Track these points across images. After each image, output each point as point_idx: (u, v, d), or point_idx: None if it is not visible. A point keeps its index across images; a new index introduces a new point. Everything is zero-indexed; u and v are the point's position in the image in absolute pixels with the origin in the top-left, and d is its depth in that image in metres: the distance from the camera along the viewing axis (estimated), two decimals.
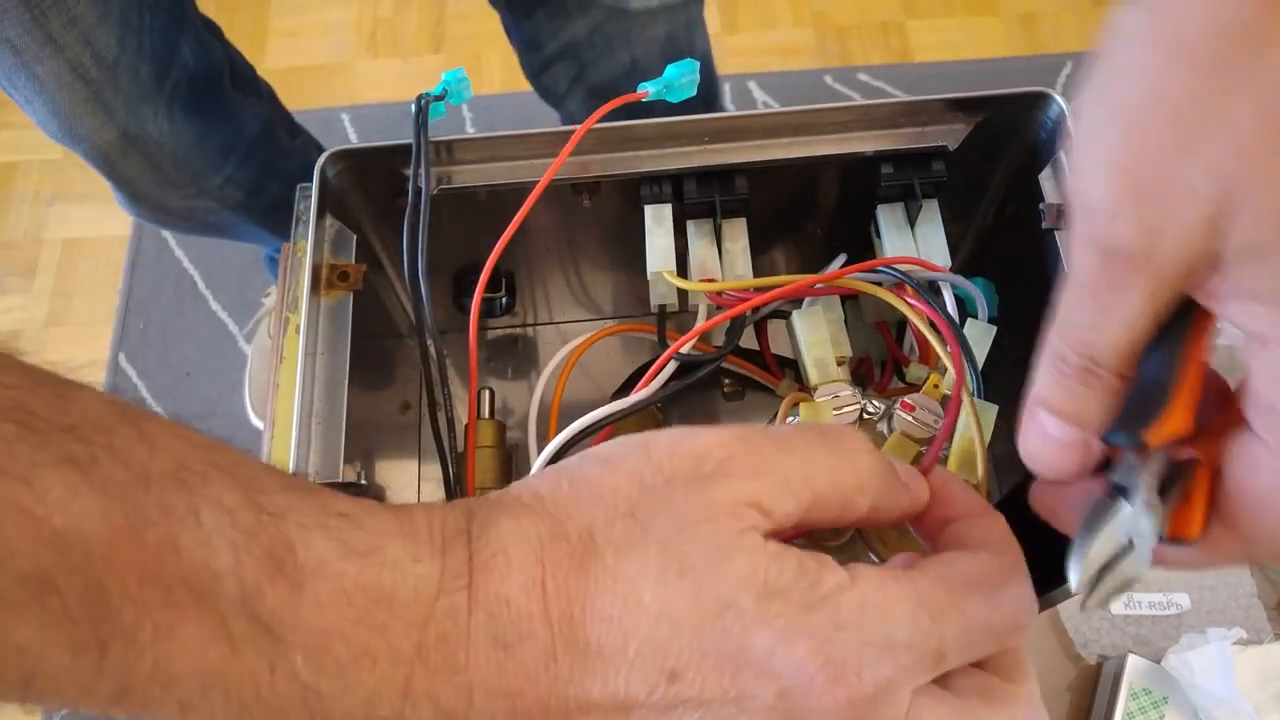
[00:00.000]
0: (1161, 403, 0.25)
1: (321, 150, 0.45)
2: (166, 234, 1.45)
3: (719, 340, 0.46)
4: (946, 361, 0.40)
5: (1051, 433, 0.26)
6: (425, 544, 0.26)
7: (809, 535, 0.36)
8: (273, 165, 0.92)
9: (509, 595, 0.25)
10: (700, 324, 0.44)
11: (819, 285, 0.43)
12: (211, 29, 0.85)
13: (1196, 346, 0.25)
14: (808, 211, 0.53)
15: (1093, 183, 0.23)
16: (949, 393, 0.41)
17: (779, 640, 0.25)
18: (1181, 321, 0.24)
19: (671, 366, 0.44)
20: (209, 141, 0.83)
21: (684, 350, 0.43)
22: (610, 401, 0.42)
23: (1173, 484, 0.26)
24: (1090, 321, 0.24)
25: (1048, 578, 0.45)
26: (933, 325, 0.41)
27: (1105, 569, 0.27)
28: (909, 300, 0.42)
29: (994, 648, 0.28)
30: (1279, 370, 0.23)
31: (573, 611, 0.25)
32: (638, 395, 0.43)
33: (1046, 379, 0.26)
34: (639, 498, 0.27)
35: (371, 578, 0.25)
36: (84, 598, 0.22)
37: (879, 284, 0.43)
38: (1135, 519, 0.26)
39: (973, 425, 0.38)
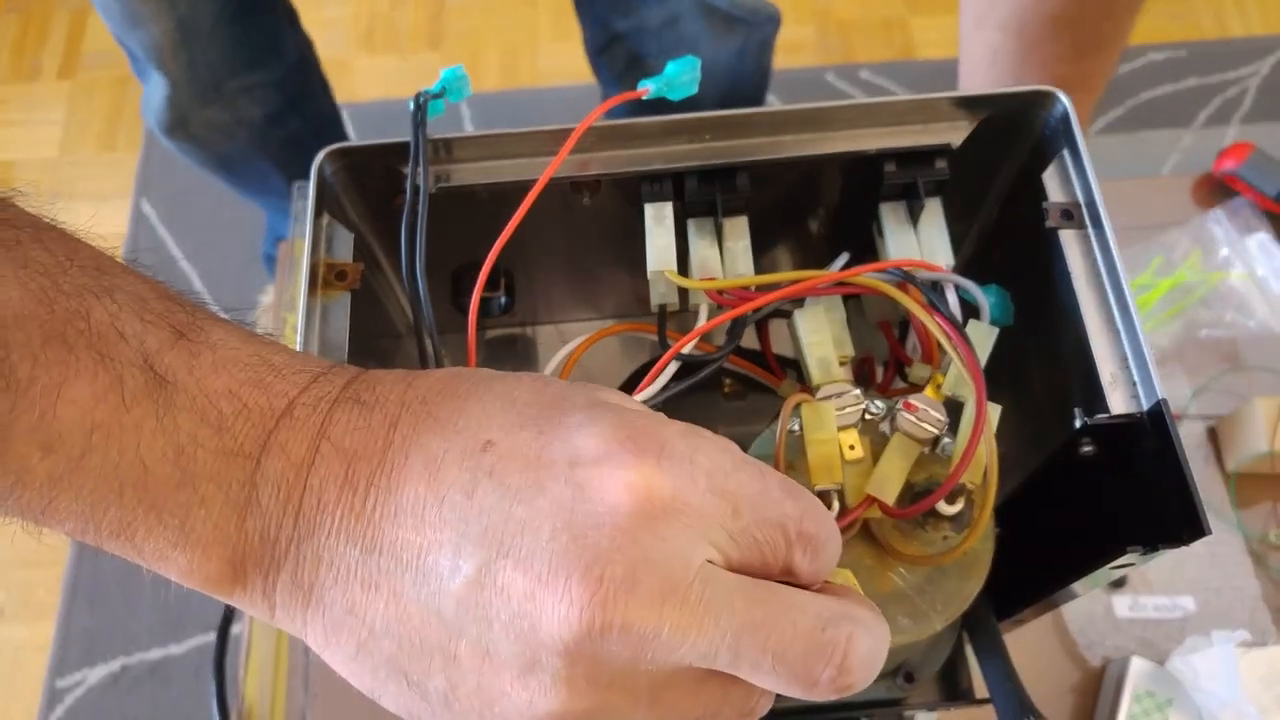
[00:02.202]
0: None
1: (341, 119, 0.45)
2: (164, 232, 1.45)
3: (719, 340, 0.45)
4: (960, 367, 0.40)
5: None
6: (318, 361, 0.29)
7: None
8: (300, 102, 0.93)
9: (379, 381, 0.28)
10: (701, 324, 0.44)
11: (821, 284, 0.42)
12: None
13: None
14: (810, 210, 0.52)
15: None
16: (950, 394, 0.41)
17: (591, 421, 0.26)
18: None
19: (673, 367, 0.43)
20: (244, 47, 0.84)
21: (685, 350, 0.43)
22: None
23: None
24: None
25: (1046, 580, 0.45)
26: (940, 327, 0.41)
27: None
28: (917, 301, 0.41)
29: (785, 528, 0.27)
30: None
31: (429, 397, 0.27)
32: (639, 396, 0.42)
33: None
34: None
35: (265, 353, 0.27)
36: None
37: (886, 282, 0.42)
38: None
39: (988, 430, 0.38)
